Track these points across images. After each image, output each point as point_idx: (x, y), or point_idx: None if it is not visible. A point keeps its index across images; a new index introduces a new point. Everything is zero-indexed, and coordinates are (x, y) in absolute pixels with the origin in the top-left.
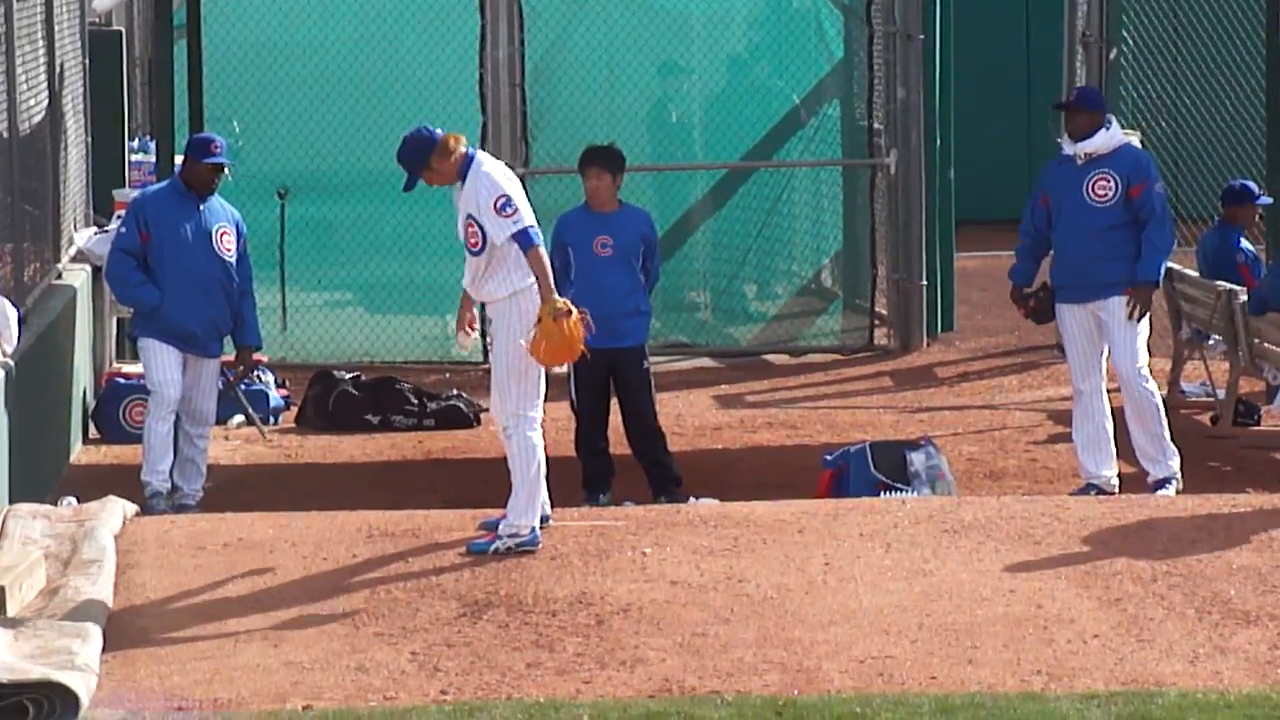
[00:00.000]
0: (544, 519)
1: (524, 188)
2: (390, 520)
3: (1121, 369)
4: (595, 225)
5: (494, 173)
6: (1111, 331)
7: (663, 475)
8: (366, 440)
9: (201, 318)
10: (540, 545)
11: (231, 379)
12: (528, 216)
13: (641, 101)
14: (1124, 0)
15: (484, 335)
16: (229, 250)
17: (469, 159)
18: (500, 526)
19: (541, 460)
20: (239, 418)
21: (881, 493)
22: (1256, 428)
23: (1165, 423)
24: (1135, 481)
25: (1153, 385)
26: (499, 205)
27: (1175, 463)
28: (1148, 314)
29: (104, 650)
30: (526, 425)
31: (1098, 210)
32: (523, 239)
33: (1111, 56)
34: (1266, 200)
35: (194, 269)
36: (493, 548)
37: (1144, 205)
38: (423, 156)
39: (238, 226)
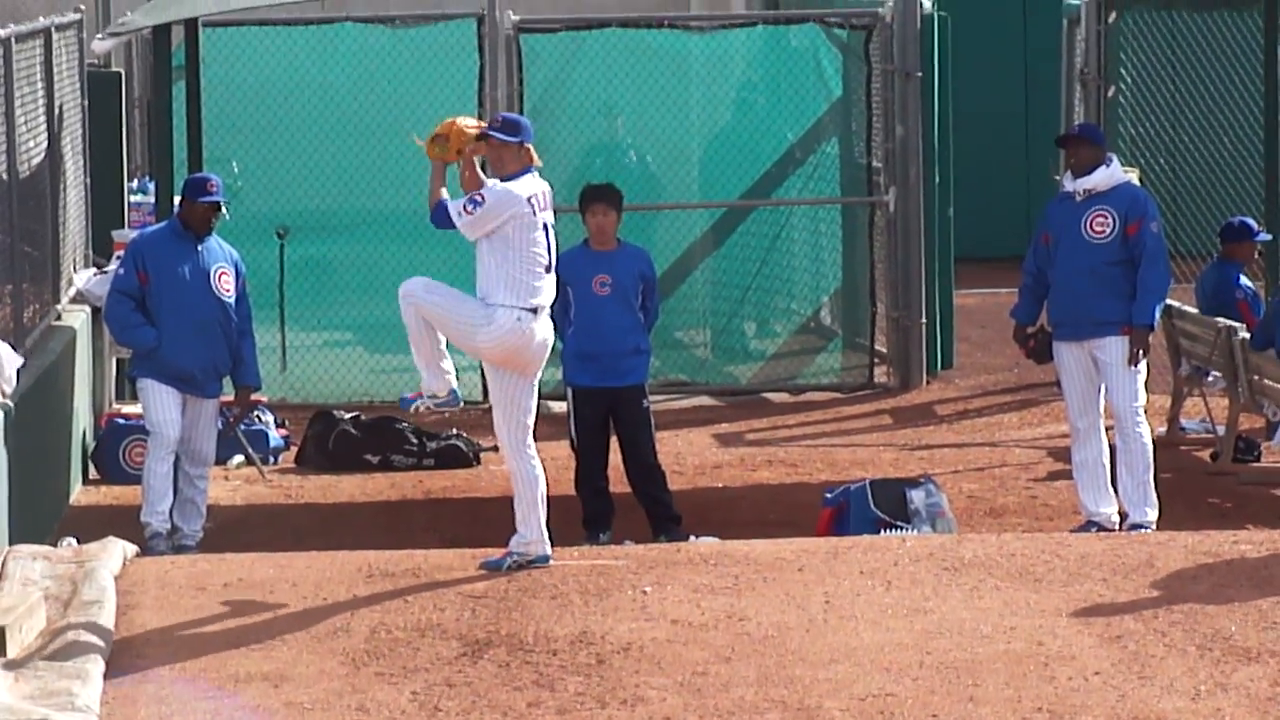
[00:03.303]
0: (545, 558)
1: None
2: (390, 560)
3: (1119, 409)
4: (594, 264)
5: (513, 188)
6: (1109, 372)
7: (663, 514)
8: (366, 480)
9: (200, 358)
10: (552, 562)
11: (231, 419)
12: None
13: (640, 140)
14: (1122, 37)
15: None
16: (228, 290)
17: (513, 176)
18: (512, 541)
19: (542, 478)
20: (239, 458)
21: (882, 530)
22: (1256, 464)
23: (1152, 471)
24: None
25: (1146, 431)
26: (469, 200)
27: (1153, 514)
28: (1146, 356)
29: (104, 691)
30: (524, 444)
31: (1095, 247)
32: (439, 209)
33: (1110, 94)
34: (1265, 237)
35: (192, 309)
36: (505, 564)
37: (1138, 244)
38: (527, 136)
39: (236, 266)
